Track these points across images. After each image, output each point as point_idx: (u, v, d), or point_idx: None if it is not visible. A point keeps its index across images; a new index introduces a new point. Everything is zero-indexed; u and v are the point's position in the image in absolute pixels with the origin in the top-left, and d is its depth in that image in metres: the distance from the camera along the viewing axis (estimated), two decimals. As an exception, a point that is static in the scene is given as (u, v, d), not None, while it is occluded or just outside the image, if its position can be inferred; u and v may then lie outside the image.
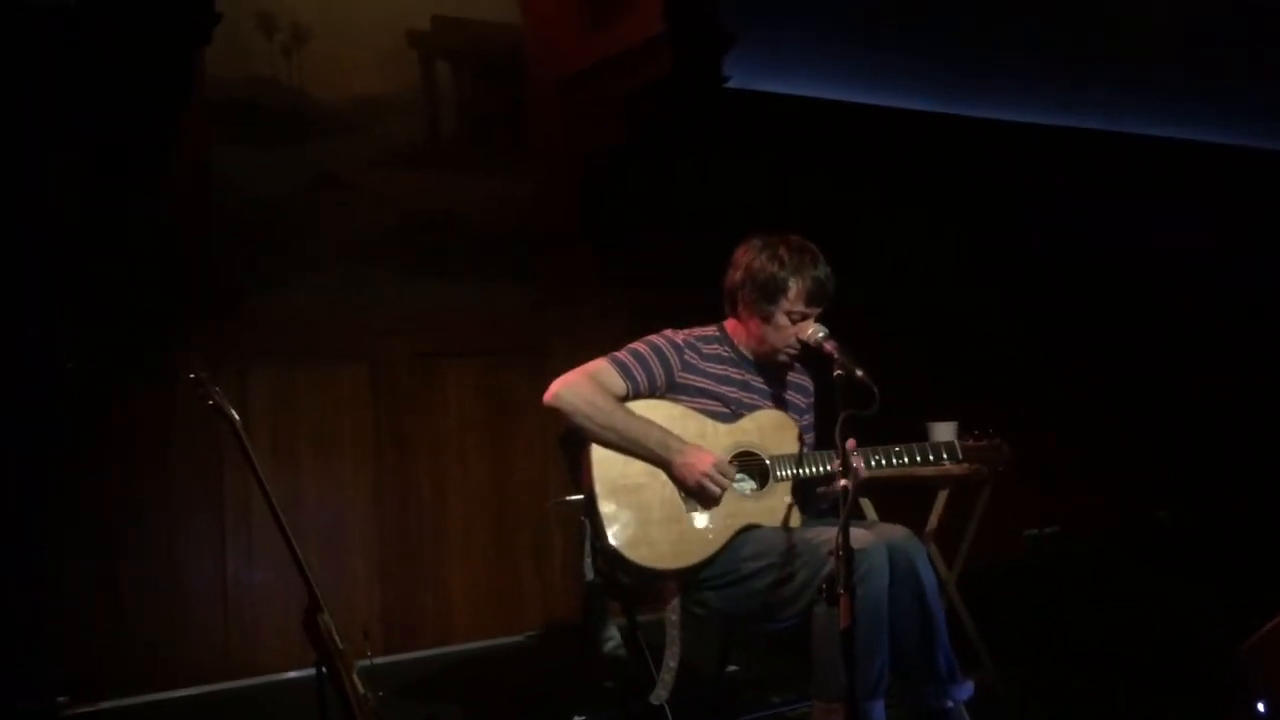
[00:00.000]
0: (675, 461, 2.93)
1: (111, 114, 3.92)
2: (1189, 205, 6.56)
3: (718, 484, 2.92)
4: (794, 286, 3.01)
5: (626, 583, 2.97)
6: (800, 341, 3.05)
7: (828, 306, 3.06)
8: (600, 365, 3.02)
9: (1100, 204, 6.32)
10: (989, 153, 5.97)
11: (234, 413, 2.81)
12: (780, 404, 3.16)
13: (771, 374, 3.17)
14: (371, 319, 4.51)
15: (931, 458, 3.12)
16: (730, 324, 3.18)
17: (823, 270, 3.04)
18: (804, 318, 3.03)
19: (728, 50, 4.55)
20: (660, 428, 2.96)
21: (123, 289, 4.04)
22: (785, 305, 3.02)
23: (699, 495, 2.94)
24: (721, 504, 2.95)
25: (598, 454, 2.95)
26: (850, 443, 2.80)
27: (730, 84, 4.69)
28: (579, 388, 2.96)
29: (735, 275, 3.10)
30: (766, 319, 3.05)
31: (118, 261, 4.02)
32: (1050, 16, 6.14)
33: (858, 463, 2.92)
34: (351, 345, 4.49)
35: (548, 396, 2.98)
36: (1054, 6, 6.13)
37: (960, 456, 3.16)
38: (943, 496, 3.82)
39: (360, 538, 4.47)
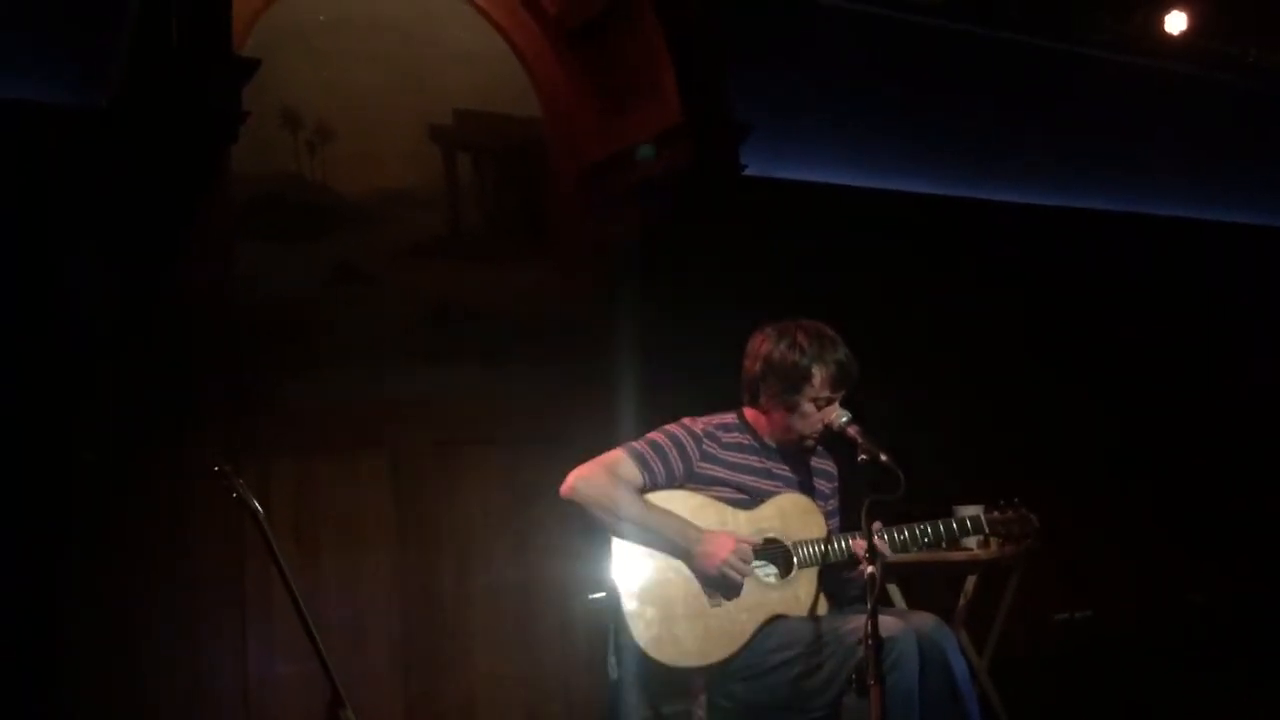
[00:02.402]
0: (695, 551, 2.90)
1: (137, 209, 3.98)
2: (1216, 286, 6.56)
3: (739, 572, 2.88)
4: (818, 374, 3.00)
5: (653, 678, 2.93)
6: (824, 426, 3.03)
7: (852, 388, 3.05)
8: (617, 456, 2.99)
9: (1124, 284, 6.32)
10: (1008, 234, 5.99)
11: (257, 505, 2.81)
12: (805, 490, 3.13)
13: (794, 460, 3.15)
14: (393, 407, 4.51)
15: (957, 532, 3.09)
16: (749, 413, 3.16)
17: (844, 353, 3.04)
18: (829, 402, 3.02)
19: (744, 139, 4.60)
20: (678, 518, 2.93)
21: (145, 382, 4.06)
22: (810, 393, 3.01)
23: (721, 585, 2.90)
24: (745, 594, 2.91)
25: (619, 549, 2.92)
26: (875, 525, 2.78)
27: (748, 171, 4.74)
28: (595, 480, 2.94)
29: (755, 366, 3.08)
30: (792, 408, 3.03)
31: (140, 355, 4.05)
32: (1064, 100, 6.22)
33: (882, 546, 2.89)
34: (373, 434, 4.48)
35: (564, 489, 2.96)
36: (1063, 92, 6.22)
37: (986, 529, 3.13)
38: (971, 581, 3.78)
39: (382, 629, 4.42)
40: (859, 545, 2.92)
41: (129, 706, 3.94)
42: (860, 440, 2.84)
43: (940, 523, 3.07)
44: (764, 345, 3.08)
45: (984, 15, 5.73)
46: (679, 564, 2.93)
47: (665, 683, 2.94)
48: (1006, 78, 6.07)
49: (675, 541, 2.91)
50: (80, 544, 3.86)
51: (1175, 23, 5.69)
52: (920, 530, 3.03)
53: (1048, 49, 6.12)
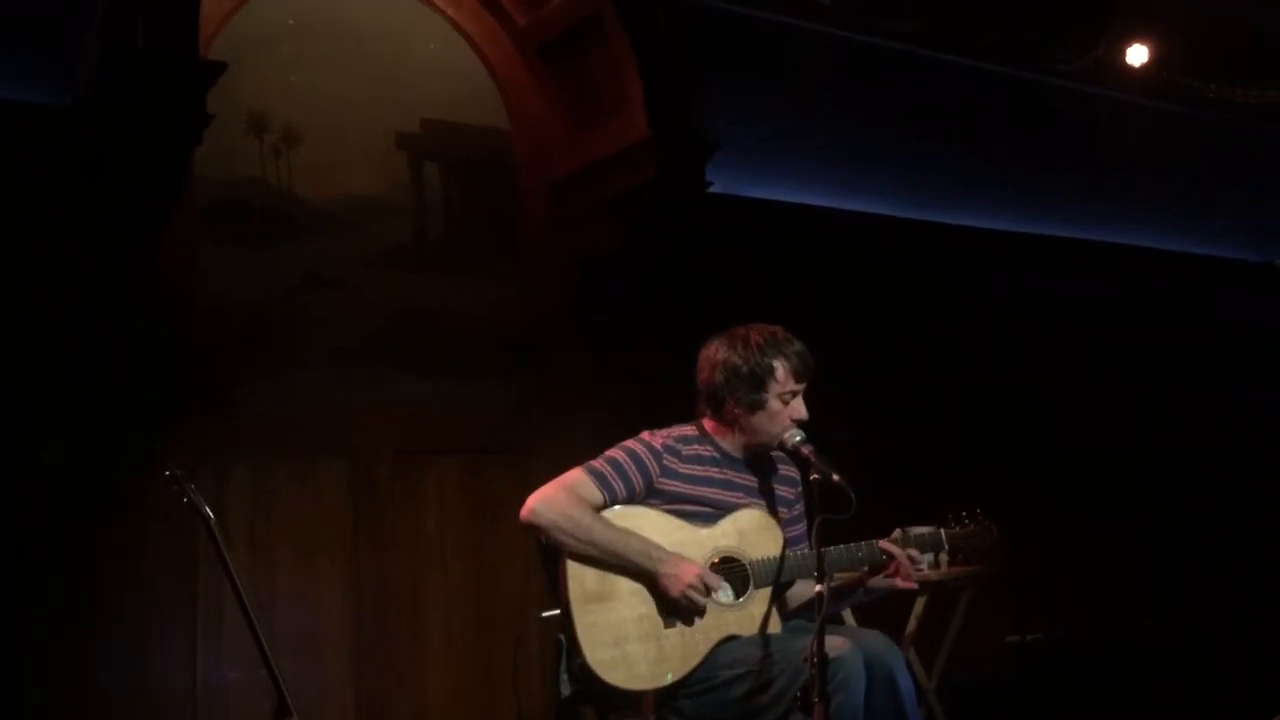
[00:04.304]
0: (659, 573, 2.90)
1: (101, 212, 3.95)
2: (1171, 315, 6.65)
3: (702, 597, 2.90)
4: (780, 367, 3.03)
5: (603, 695, 2.92)
6: (780, 443, 3.05)
7: (812, 380, 3.07)
8: (577, 477, 2.99)
9: (1081, 312, 6.39)
10: (972, 259, 6.06)
11: (209, 511, 2.80)
12: (768, 498, 3.14)
13: (757, 468, 3.16)
14: (354, 416, 4.49)
15: (917, 550, 3.10)
16: (709, 423, 3.17)
17: (799, 344, 3.07)
18: (795, 395, 3.04)
19: (710, 157, 4.63)
20: (640, 538, 2.93)
21: (105, 385, 4.03)
22: (776, 389, 3.02)
23: (681, 609, 2.91)
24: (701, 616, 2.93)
25: (573, 569, 2.92)
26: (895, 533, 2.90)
27: (714, 189, 4.77)
28: (555, 502, 2.93)
29: (714, 376, 3.08)
30: (759, 408, 3.04)
31: (101, 358, 4.02)
32: (1027, 128, 6.30)
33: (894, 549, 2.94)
34: (332, 442, 4.46)
35: (524, 513, 2.95)
36: (1031, 118, 6.30)
37: (945, 545, 3.13)
38: (921, 601, 3.80)
39: (336, 638, 4.39)
40: (887, 546, 2.97)
41: (78, 708, 3.91)
42: (813, 460, 2.86)
43: (898, 539, 3.07)
44: (719, 352, 3.09)
45: (951, 43, 5.80)
46: (635, 584, 2.93)
47: (615, 700, 2.94)
48: (972, 105, 6.13)
49: (638, 564, 2.91)
50: (38, 546, 3.83)
51: (1137, 55, 5.78)
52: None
53: (1013, 77, 6.19)
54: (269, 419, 4.32)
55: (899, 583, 3.00)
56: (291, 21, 4.47)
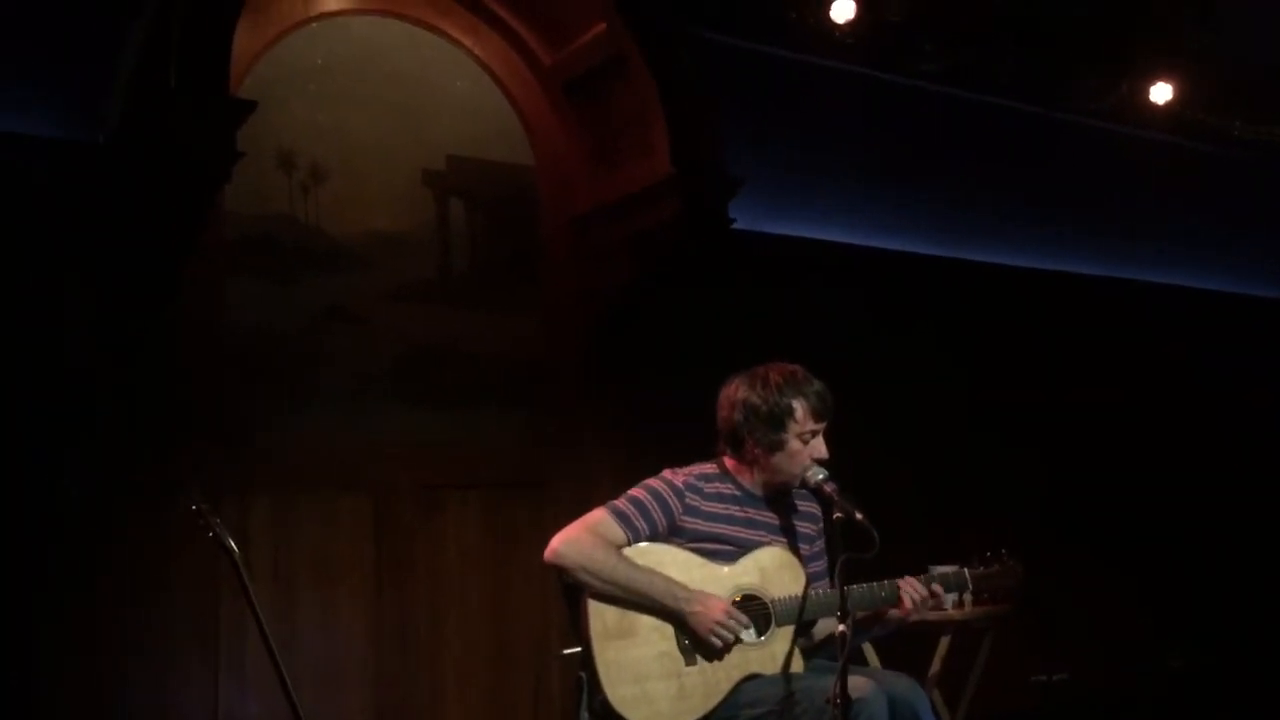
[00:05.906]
0: (686, 611, 2.90)
1: (131, 245, 4.00)
2: (1195, 353, 6.61)
3: (731, 633, 2.89)
4: (799, 408, 3.03)
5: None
6: (802, 481, 3.04)
7: (832, 420, 3.07)
8: (600, 517, 2.99)
9: (1105, 349, 6.36)
10: (992, 295, 6.04)
11: (233, 544, 2.80)
12: (789, 535, 3.13)
13: (779, 505, 3.15)
14: (375, 449, 4.51)
15: (941, 590, 3.08)
16: (729, 462, 3.17)
17: (818, 384, 3.07)
18: (814, 435, 3.04)
19: (734, 193, 4.65)
20: (664, 577, 2.93)
21: (128, 415, 4.06)
22: (795, 429, 3.03)
23: (707, 647, 2.90)
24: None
25: (594, 606, 2.91)
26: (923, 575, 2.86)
27: (737, 225, 4.79)
28: (579, 543, 2.94)
29: (734, 415, 3.09)
30: (778, 448, 3.04)
31: (127, 391, 4.05)
32: (1051, 165, 6.31)
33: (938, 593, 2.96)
34: (354, 475, 4.47)
35: (548, 554, 2.96)
36: (1055, 156, 6.30)
37: (970, 585, 3.12)
38: (944, 642, 3.77)
39: (357, 673, 4.39)
40: (906, 584, 2.97)
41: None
42: (836, 498, 2.86)
43: (922, 579, 3.07)
44: (739, 391, 3.09)
45: (973, 81, 5.82)
46: (656, 621, 2.92)
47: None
48: (995, 142, 6.15)
49: (664, 603, 2.91)
50: (60, 578, 3.84)
51: (1161, 93, 5.78)
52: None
53: (1035, 115, 6.21)
54: (292, 451, 4.34)
55: (899, 613, 3.03)
56: (320, 61, 4.53)
